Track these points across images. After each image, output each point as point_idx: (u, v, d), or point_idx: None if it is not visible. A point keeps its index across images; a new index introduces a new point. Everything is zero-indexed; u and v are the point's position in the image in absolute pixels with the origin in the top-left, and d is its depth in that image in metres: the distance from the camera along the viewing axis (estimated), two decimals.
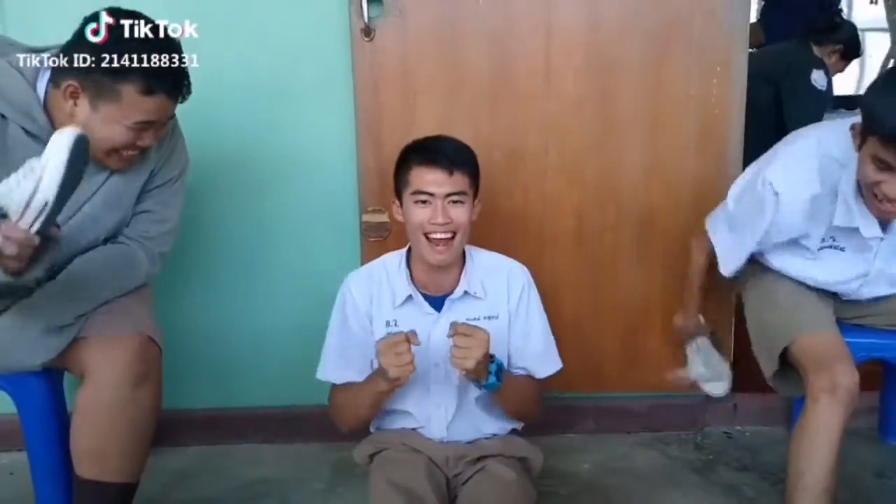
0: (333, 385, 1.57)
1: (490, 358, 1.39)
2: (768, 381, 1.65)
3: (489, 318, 1.54)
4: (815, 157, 1.50)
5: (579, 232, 1.99)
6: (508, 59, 1.89)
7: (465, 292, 1.54)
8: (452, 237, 1.46)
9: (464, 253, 1.56)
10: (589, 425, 2.13)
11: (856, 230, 1.52)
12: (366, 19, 1.82)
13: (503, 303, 1.56)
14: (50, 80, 1.36)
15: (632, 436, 2.12)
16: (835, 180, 1.50)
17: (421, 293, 1.54)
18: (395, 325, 1.53)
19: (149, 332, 1.46)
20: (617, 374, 2.09)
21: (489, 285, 1.56)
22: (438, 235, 1.45)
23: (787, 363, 1.60)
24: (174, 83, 1.35)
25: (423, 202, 1.46)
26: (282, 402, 2.09)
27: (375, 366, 1.43)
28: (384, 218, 1.93)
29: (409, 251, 1.58)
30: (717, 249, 1.70)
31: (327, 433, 2.04)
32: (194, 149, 1.76)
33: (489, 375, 1.39)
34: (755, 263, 1.75)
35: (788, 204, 1.51)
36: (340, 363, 1.56)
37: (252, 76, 1.90)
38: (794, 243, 1.61)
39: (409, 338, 1.36)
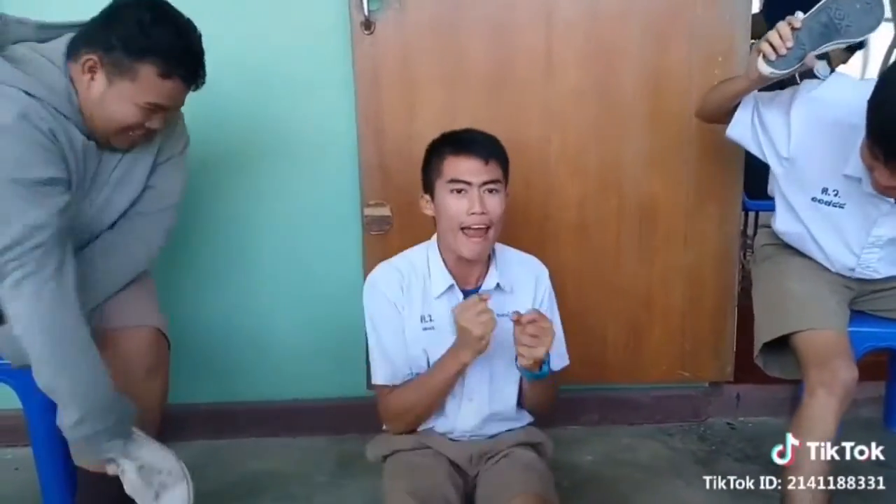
0: (383, 390, 1.51)
1: None
2: (755, 359, 1.68)
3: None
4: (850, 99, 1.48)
5: (581, 222, 1.99)
6: (509, 49, 1.89)
7: (498, 285, 1.51)
8: (488, 229, 1.44)
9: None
10: (592, 417, 2.14)
11: (859, 183, 1.50)
12: (366, 12, 1.82)
13: (529, 300, 1.53)
14: (66, 53, 1.36)
15: (635, 427, 2.12)
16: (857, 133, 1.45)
17: None
18: (430, 319, 1.49)
19: (159, 324, 1.47)
20: (620, 366, 2.09)
21: (517, 281, 1.54)
22: (475, 226, 1.43)
23: (784, 346, 1.61)
24: (191, 70, 1.38)
25: (459, 191, 1.43)
26: (286, 396, 2.10)
27: (425, 356, 1.44)
28: (386, 211, 1.93)
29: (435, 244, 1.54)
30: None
31: (331, 426, 2.06)
32: (195, 144, 1.75)
33: (545, 364, 1.38)
34: (768, 246, 1.76)
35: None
36: (392, 363, 1.49)
37: (252, 70, 1.90)
38: (799, 187, 1.61)
39: (483, 297, 1.36)
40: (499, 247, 1.57)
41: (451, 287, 1.49)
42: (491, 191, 1.44)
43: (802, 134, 1.55)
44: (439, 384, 1.44)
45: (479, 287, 1.51)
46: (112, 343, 1.41)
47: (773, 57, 1.49)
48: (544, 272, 1.59)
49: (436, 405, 1.48)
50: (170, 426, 1.94)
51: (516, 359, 1.38)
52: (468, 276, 1.52)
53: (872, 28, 1.50)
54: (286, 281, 2.04)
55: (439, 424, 1.52)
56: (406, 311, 1.49)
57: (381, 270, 1.53)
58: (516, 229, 1.92)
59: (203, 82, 1.42)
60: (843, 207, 1.57)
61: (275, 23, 1.89)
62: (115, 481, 1.44)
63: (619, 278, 2.03)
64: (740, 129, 1.65)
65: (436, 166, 1.47)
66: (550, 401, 1.58)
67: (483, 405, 1.51)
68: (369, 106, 1.89)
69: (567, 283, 2.00)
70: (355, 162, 1.93)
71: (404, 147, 1.91)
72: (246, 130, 1.94)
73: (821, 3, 1.50)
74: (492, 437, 1.54)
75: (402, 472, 1.44)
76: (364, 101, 1.89)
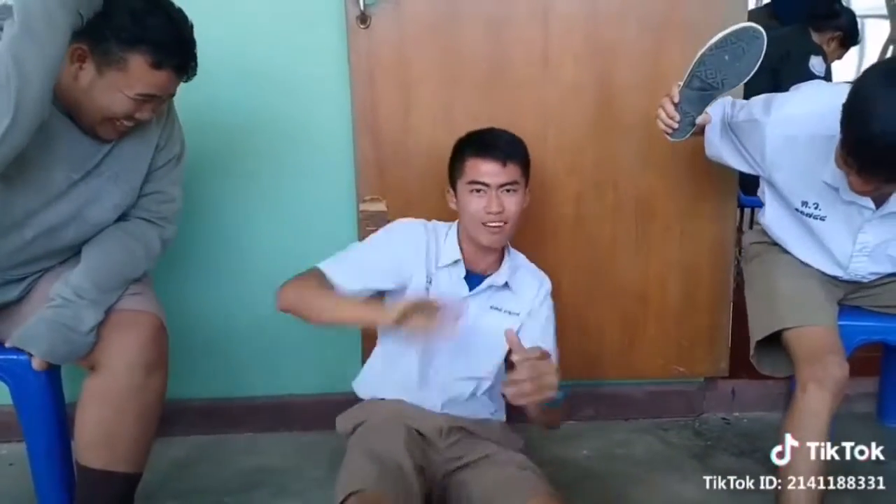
0: (315, 271, 1.54)
1: None
2: (751, 358, 1.68)
3: (510, 312, 1.59)
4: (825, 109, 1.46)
5: (577, 218, 1.99)
6: (506, 45, 1.88)
7: (506, 283, 1.59)
8: (505, 224, 1.52)
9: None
10: (587, 412, 2.14)
11: (837, 192, 1.52)
12: (361, 7, 1.81)
13: (527, 303, 1.61)
14: None
15: (630, 422, 2.13)
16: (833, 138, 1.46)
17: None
18: (430, 284, 1.56)
19: (159, 314, 1.47)
20: (615, 361, 2.09)
21: (522, 284, 1.62)
22: (493, 224, 1.51)
23: (776, 344, 1.61)
24: (182, 60, 1.37)
25: (478, 191, 1.52)
26: (280, 391, 2.10)
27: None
28: (382, 207, 1.93)
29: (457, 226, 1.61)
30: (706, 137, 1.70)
31: (326, 421, 2.04)
32: (190, 139, 1.74)
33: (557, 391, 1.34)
34: (756, 244, 1.76)
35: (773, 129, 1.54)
36: (352, 272, 1.52)
37: (247, 65, 1.89)
38: (781, 202, 1.64)
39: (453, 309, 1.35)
40: (512, 249, 1.66)
41: (457, 262, 1.57)
42: (508, 191, 1.52)
43: (779, 152, 1.56)
44: (341, 312, 1.47)
45: (488, 274, 1.59)
46: (114, 333, 1.40)
47: (669, 131, 1.60)
48: (548, 284, 1.67)
49: (325, 320, 1.50)
50: (164, 422, 1.93)
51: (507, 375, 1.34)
52: (481, 261, 1.59)
53: (752, 68, 1.51)
54: (281, 276, 2.01)
55: (410, 396, 1.57)
56: (416, 266, 1.57)
57: (416, 222, 1.61)
58: None
59: (195, 72, 1.40)
60: (824, 220, 1.58)
61: (268, 16, 1.88)
62: (118, 478, 1.44)
63: (615, 274, 2.03)
64: (715, 149, 1.69)
65: (458, 166, 1.56)
66: (555, 423, 1.63)
67: (442, 390, 1.57)
68: (365, 101, 1.89)
69: (563, 279, 1.99)
70: (351, 157, 1.93)
71: (400, 142, 1.91)
72: (240, 126, 1.93)
73: (689, 70, 1.54)
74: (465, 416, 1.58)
75: (363, 437, 1.51)
76: (359, 96, 1.88)
